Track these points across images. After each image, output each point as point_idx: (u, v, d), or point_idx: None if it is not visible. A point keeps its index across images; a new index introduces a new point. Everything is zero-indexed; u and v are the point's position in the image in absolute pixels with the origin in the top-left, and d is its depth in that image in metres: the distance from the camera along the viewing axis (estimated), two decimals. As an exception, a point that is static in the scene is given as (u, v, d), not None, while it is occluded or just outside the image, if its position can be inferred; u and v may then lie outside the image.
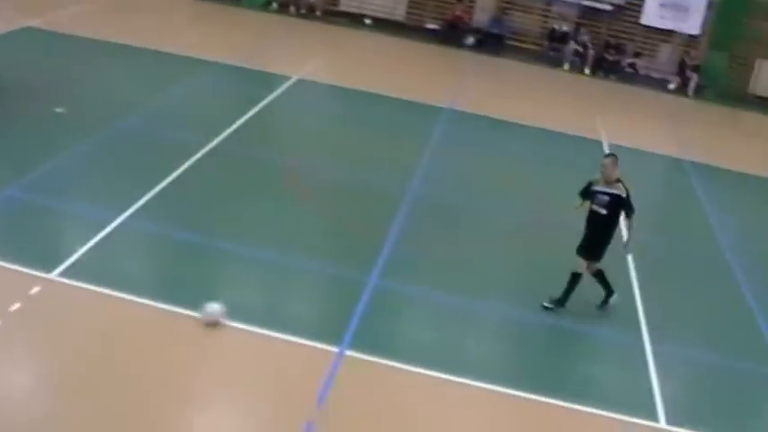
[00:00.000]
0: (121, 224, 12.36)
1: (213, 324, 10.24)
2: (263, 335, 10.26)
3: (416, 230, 13.88)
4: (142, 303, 10.46)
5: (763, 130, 25.22)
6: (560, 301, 11.93)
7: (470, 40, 28.09)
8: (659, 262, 14.44)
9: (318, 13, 27.69)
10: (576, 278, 11.86)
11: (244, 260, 12.30)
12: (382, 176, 15.83)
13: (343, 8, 28.77)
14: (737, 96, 27.74)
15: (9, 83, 17.52)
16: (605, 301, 12.26)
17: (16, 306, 10.02)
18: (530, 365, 10.90)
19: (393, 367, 10.08)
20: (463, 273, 12.77)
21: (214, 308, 10.31)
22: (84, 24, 22.59)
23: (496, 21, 28.55)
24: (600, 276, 12.09)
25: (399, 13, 28.73)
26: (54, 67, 19.27)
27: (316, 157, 16.36)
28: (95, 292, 10.59)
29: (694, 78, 27.44)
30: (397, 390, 9.83)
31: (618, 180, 11.82)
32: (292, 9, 27.91)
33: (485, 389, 10.01)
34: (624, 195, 11.73)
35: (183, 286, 11.14)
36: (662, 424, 9.97)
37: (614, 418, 9.88)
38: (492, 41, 28.25)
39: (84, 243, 11.65)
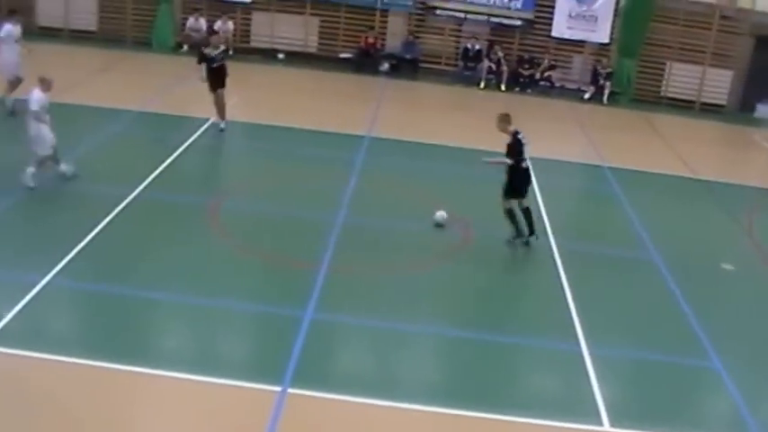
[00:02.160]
0: (47, 285, 12.06)
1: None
2: (201, 382, 10.10)
3: (348, 260, 13.84)
4: (74, 363, 10.22)
5: (676, 131, 25.75)
6: (519, 233, 14.82)
7: (385, 66, 28.28)
8: (588, 266, 14.67)
9: (230, 51, 27.61)
10: (511, 213, 14.74)
11: (175, 307, 12.13)
12: (308, 209, 15.78)
13: (254, 44, 28.76)
14: (650, 100, 28.36)
15: None
16: (518, 236, 14.89)
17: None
18: (471, 383, 10.90)
19: (337, 400, 10.01)
20: (397, 297, 12.79)
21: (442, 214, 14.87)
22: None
23: (409, 45, 28.77)
24: (527, 213, 14.86)
25: (311, 44, 28.81)
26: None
27: (239, 196, 16.27)
28: (26, 356, 10.30)
29: (607, 86, 27.98)
30: (343, 423, 9.76)
31: (512, 133, 14.59)
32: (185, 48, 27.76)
33: (430, 411, 10.01)
34: (508, 143, 14.58)
35: (114, 340, 10.89)
36: (606, 427, 10.05)
37: (560, 427, 9.93)
38: (406, 66, 28.47)
39: (9, 308, 11.34)
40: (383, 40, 28.94)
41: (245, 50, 28.20)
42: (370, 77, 27.72)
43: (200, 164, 18.25)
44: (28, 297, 11.69)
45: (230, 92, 20.07)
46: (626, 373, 11.64)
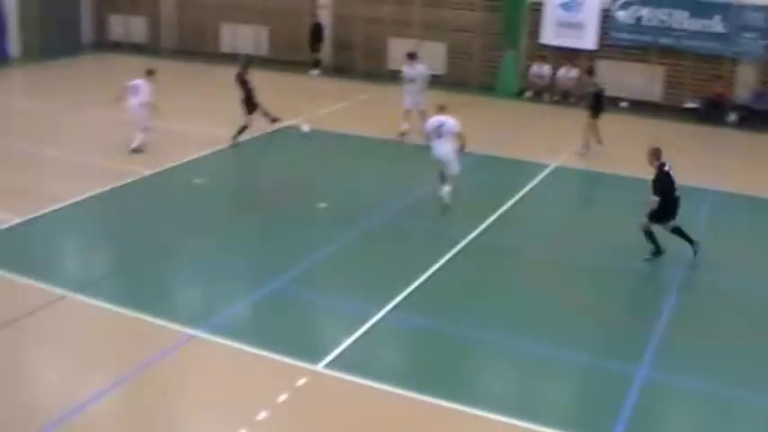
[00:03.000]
0: (383, 317, 12.54)
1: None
2: (523, 428, 9.96)
3: (689, 317, 13.16)
4: (405, 395, 10.47)
5: None
6: (658, 250, 15.08)
7: (732, 117, 26.90)
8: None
9: (573, 99, 27.48)
10: (650, 233, 15.05)
11: (503, 350, 12.10)
12: (650, 263, 15.18)
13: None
14: None
15: (277, 179, 18.46)
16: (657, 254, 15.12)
17: (283, 397, 10.32)
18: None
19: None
20: (740, 365, 11.89)
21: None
22: (339, 121, 23.53)
23: (760, 95, 27.18)
24: (678, 230, 15.09)
25: (656, 93, 28.00)
26: (316, 162, 20.13)
27: (575, 244, 15.96)
28: (359, 384, 10.74)
29: None
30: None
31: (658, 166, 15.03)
32: (546, 96, 27.89)
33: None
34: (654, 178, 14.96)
35: (443, 378, 11.04)
36: None
37: None
38: (757, 117, 26.89)
39: (347, 336, 11.88)
40: (732, 89, 27.56)
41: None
42: (714, 128, 26.42)
43: (538, 209, 18.11)
44: (364, 328, 12.21)
45: (572, 139, 19.92)
46: None
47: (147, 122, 20.40)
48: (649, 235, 15.11)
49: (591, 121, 21.68)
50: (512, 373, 11.75)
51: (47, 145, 20.83)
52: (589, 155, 21.52)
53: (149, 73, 20.74)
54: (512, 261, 15.16)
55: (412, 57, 23.01)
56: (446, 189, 16.87)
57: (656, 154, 15.21)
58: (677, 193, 14.95)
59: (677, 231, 15.16)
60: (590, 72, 23.74)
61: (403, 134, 21.98)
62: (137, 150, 20.14)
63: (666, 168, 14.96)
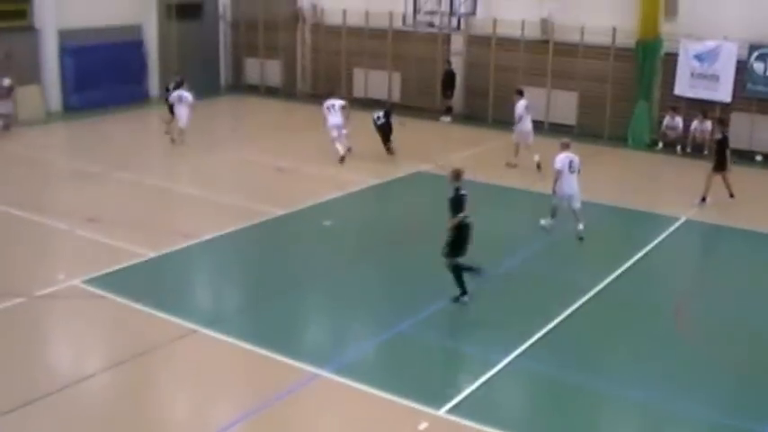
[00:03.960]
0: (509, 363, 12.53)
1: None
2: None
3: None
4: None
5: None
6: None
7: None
8: None
9: (706, 151, 26.93)
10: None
11: (630, 404, 11.90)
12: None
13: (731, 145, 27.72)
14: None
15: (406, 223, 18.68)
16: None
17: (406, 440, 10.35)
18: None
19: None
20: None
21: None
22: (469, 168, 23.47)
23: None
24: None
25: (793, 147, 27.18)
26: (445, 210, 20.20)
27: (708, 299, 15.59)
28: (479, 430, 10.69)
29: None
30: None
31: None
32: (678, 148, 27.41)
33: None
34: None
35: (570, 428, 10.93)
36: None
37: None
38: None
39: (471, 382, 11.94)
40: None
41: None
42: None
43: (668, 262, 17.78)
44: (490, 373, 12.23)
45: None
46: None
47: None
48: (457, 273, 14.60)
49: (712, 172, 21.26)
50: (637, 427, 11.54)
51: (182, 182, 21.58)
52: (713, 207, 21.00)
53: None
54: (642, 313, 14.87)
55: (520, 93, 24.95)
56: (581, 226, 18.12)
57: (455, 176, 14.89)
58: (468, 221, 14.68)
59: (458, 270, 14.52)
60: (723, 122, 23.21)
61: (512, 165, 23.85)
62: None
63: (462, 192, 14.67)
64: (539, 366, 12.61)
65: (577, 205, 18.10)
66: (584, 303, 14.87)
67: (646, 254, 17.66)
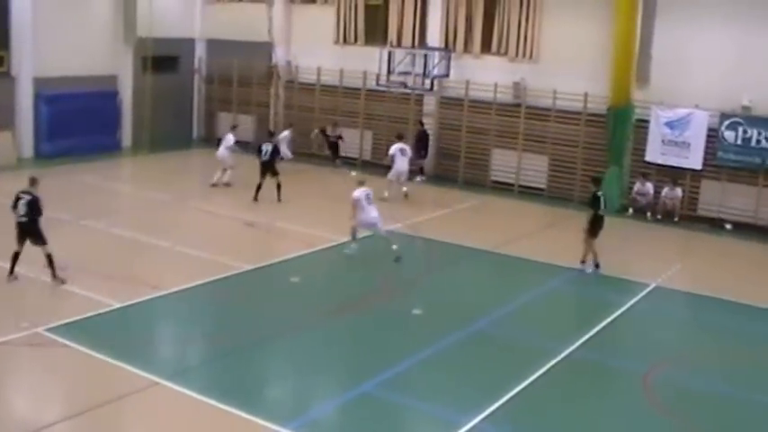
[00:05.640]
0: (474, 427, 12.32)
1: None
2: None
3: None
4: None
5: None
6: None
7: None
8: None
9: (676, 218, 27.05)
10: None
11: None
12: (761, 392, 14.62)
13: (701, 212, 27.92)
14: None
15: (374, 285, 18.55)
16: None
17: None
18: None
19: None
20: None
21: None
22: (439, 228, 23.67)
23: None
24: None
25: (762, 217, 27.35)
26: (413, 268, 20.21)
27: (677, 368, 15.47)
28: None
29: None
30: None
31: None
32: (648, 215, 27.51)
33: None
34: None
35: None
36: None
37: None
38: None
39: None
40: None
41: (692, 218, 27.45)
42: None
43: (637, 329, 17.65)
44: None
45: (673, 259, 19.54)
46: None
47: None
48: None
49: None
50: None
51: (152, 234, 21.43)
52: (684, 274, 21.03)
53: None
54: (608, 380, 14.79)
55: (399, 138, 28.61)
56: (394, 246, 20.32)
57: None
58: None
59: None
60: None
61: None
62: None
63: None
64: (503, 430, 12.42)
65: (383, 231, 20.61)
66: (551, 367, 14.71)
67: (614, 319, 17.57)
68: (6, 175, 27.34)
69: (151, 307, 16.74)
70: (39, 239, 17.24)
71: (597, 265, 20.64)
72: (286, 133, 31.98)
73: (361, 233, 20.84)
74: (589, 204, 20.77)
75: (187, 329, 16.16)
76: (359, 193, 20.52)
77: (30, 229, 17.19)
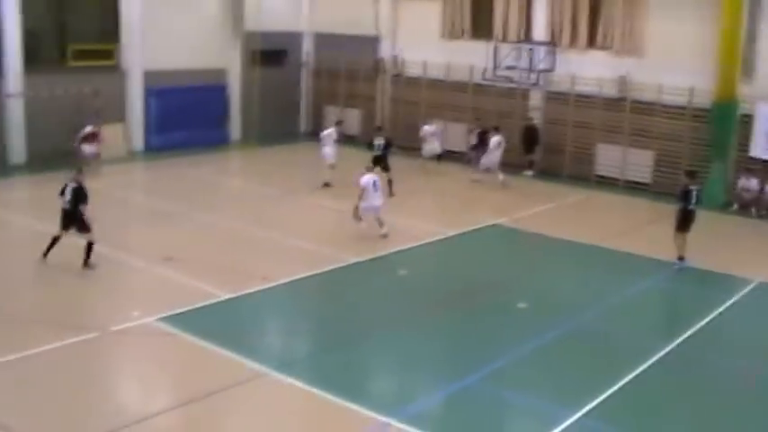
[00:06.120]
0: (575, 422, 12.65)
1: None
2: None
3: None
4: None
5: None
6: None
7: None
8: None
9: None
10: None
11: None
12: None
13: (809, 209, 27.61)
14: None
15: (479, 278, 18.99)
16: None
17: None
18: None
19: None
20: None
21: None
22: (544, 223, 24.02)
23: None
24: None
25: None
26: (519, 262, 20.59)
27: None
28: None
29: None
30: None
31: None
32: (753, 210, 27.33)
33: None
34: None
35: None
36: None
37: None
38: None
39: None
40: None
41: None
42: None
43: (739, 326, 17.67)
44: (554, 431, 12.36)
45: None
46: None
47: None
48: None
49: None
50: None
51: (261, 226, 22.15)
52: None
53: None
54: (708, 378, 14.91)
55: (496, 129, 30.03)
56: (384, 230, 21.55)
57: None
58: None
59: None
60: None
61: None
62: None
63: None
64: (604, 426, 12.71)
65: (382, 218, 21.67)
66: (652, 364, 14.93)
67: (717, 316, 17.66)
68: (118, 167, 28.40)
69: (260, 298, 17.32)
70: (83, 227, 18.14)
71: (681, 258, 20.72)
72: (434, 128, 32.19)
73: (367, 217, 21.63)
74: (679, 198, 20.77)
75: (294, 321, 16.77)
76: (367, 179, 21.52)
77: (73, 216, 18.11)
